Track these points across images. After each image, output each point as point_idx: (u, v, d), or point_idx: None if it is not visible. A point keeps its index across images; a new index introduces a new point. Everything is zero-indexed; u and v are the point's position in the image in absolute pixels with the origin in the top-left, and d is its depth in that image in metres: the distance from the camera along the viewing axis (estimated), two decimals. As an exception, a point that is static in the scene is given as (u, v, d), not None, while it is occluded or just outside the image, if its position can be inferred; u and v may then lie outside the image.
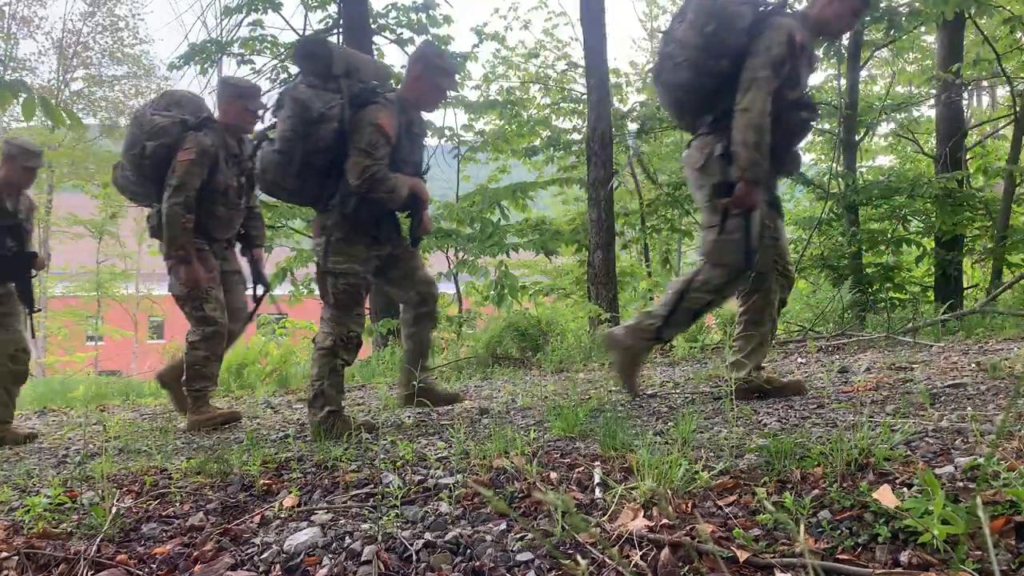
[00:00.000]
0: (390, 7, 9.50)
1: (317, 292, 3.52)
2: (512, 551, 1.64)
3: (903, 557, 1.44)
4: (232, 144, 3.99)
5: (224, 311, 3.97)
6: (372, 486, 2.14)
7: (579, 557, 1.58)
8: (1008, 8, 7.87)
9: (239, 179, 4.02)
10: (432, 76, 3.31)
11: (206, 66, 9.69)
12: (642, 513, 1.70)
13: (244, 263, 4.33)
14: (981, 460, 1.75)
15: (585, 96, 8.47)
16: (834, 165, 9.05)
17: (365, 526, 1.83)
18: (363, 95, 3.19)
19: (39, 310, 4.21)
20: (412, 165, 3.34)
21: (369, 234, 3.28)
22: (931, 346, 4.72)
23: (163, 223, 3.75)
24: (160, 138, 3.75)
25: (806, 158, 12.30)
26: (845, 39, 8.73)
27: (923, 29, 9.60)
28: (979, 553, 1.40)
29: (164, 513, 2.11)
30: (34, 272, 4.21)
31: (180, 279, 3.81)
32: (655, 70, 3.33)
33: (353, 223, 3.23)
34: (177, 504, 2.18)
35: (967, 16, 7.74)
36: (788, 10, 3.17)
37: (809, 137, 11.61)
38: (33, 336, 4.33)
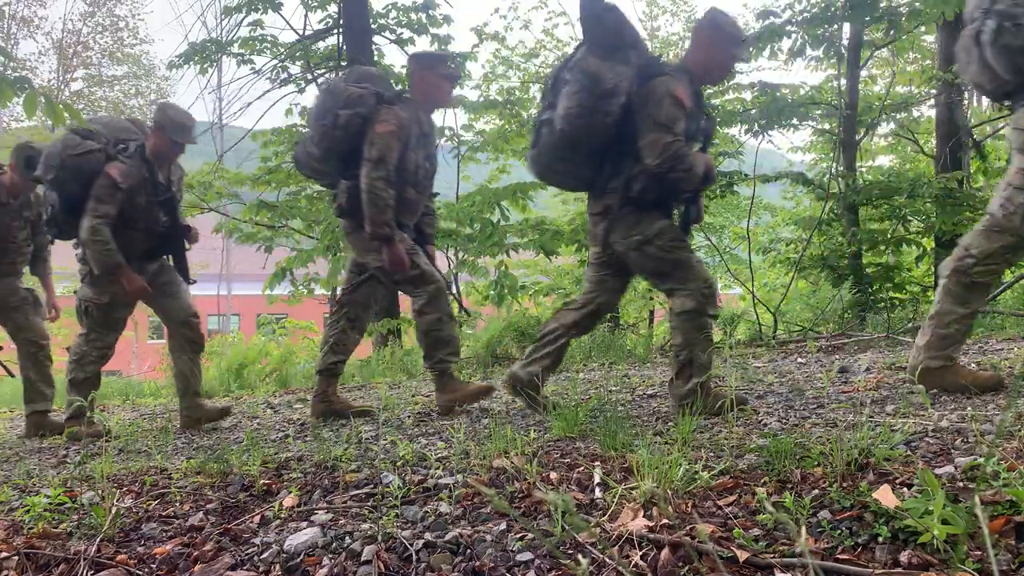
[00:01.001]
0: (390, 7, 9.50)
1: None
2: (512, 551, 1.64)
3: (903, 557, 1.44)
4: (424, 121, 3.70)
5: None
6: (372, 486, 2.14)
7: (579, 557, 1.58)
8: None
9: (427, 160, 3.74)
10: (724, 45, 3.06)
11: (206, 66, 9.69)
12: (642, 513, 1.70)
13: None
14: (981, 460, 1.75)
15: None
16: (834, 165, 9.05)
17: (365, 526, 1.83)
18: (651, 66, 3.00)
19: (194, 281, 4.18)
20: (696, 141, 3.14)
21: (659, 213, 3.08)
22: (931, 346, 4.71)
23: (365, 200, 3.42)
24: (356, 107, 3.48)
25: (806, 158, 12.29)
26: (845, 39, 8.74)
27: (923, 29, 9.59)
28: (979, 553, 1.40)
29: (164, 513, 2.11)
30: (188, 245, 4.19)
31: (385, 260, 3.52)
32: None
33: (638, 206, 3.03)
34: (177, 504, 2.18)
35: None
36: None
37: (809, 137, 11.62)
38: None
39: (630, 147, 2.99)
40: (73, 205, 3.84)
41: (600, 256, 3.31)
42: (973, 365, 3.57)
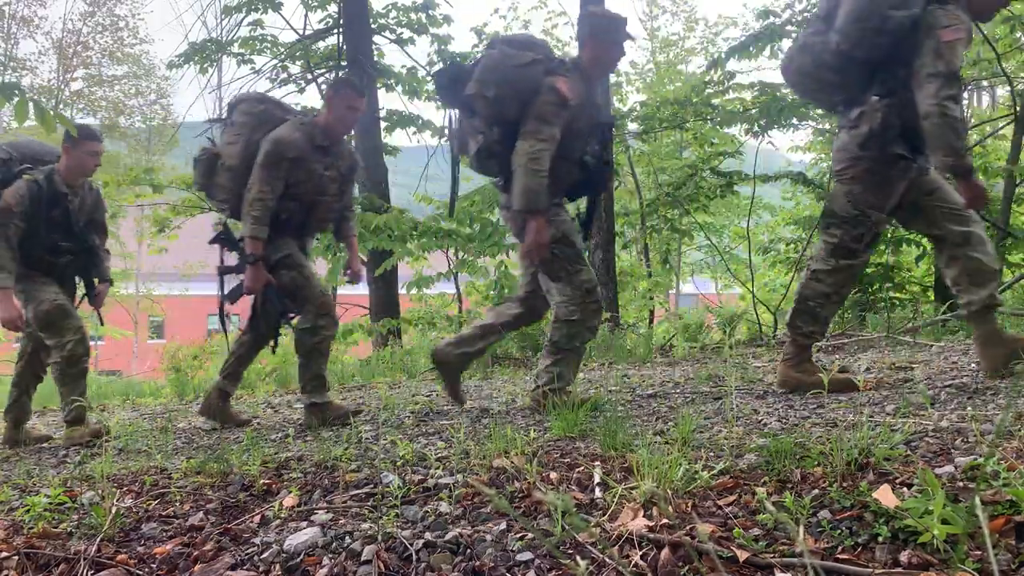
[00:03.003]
0: (390, 7, 9.50)
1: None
2: (512, 551, 1.64)
3: (903, 557, 1.44)
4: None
5: None
6: (372, 486, 2.14)
7: (579, 557, 1.58)
8: (1008, 8, 7.87)
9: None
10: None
11: (205, 66, 9.69)
12: (642, 513, 1.70)
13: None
14: (981, 460, 1.75)
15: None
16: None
17: (365, 526, 1.83)
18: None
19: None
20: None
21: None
22: (931, 346, 4.72)
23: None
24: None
25: (806, 158, 12.30)
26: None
27: (923, 29, 9.57)
28: (979, 553, 1.40)
29: (164, 513, 2.11)
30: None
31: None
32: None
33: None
34: (177, 504, 2.18)
35: (967, 16, 7.72)
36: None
37: (809, 137, 11.63)
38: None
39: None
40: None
41: None
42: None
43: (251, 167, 3.53)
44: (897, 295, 8.19)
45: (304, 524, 1.90)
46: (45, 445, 3.83)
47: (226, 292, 3.76)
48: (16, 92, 2.56)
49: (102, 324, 4.41)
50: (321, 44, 10.00)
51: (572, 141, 3.24)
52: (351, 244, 4.03)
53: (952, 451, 1.94)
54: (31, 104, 2.53)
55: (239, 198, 3.57)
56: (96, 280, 4.07)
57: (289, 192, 3.57)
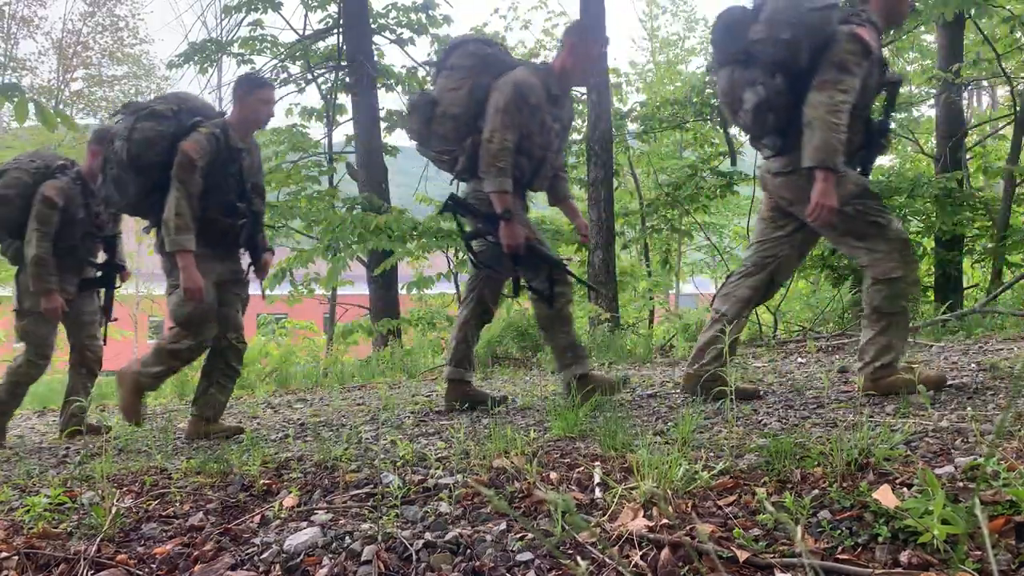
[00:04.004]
0: (390, 7, 9.51)
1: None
2: (512, 551, 1.64)
3: (903, 557, 1.44)
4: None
5: None
6: (372, 486, 2.14)
7: (579, 557, 1.58)
8: (1008, 8, 7.87)
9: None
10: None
11: (206, 66, 9.69)
12: (642, 513, 1.70)
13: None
14: (981, 460, 1.75)
15: (585, 96, 8.47)
16: (834, 165, 9.03)
17: (365, 526, 1.83)
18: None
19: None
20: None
21: None
22: (931, 346, 4.72)
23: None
24: None
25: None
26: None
27: (923, 29, 9.60)
28: (979, 553, 1.40)
29: (164, 513, 2.11)
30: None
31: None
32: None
33: None
34: (177, 504, 2.18)
35: (967, 16, 7.74)
36: None
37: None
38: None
39: None
40: None
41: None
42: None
43: (476, 115, 3.24)
44: (897, 295, 8.18)
45: (304, 524, 1.90)
46: (45, 445, 3.83)
47: (475, 257, 3.41)
48: (16, 92, 2.56)
49: (264, 296, 4.33)
50: (321, 44, 10.00)
51: (865, 97, 2.98)
52: (572, 207, 3.69)
53: (952, 451, 1.94)
54: (32, 104, 2.53)
55: (461, 149, 3.30)
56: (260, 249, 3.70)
57: (519, 145, 3.23)
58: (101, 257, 4.21)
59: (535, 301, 3.38)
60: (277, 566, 1.71)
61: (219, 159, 3.37)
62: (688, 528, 1.61)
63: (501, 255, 3.32)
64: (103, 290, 4.25)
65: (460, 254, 8.23)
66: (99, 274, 4.19)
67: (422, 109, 3.35)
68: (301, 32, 9.72)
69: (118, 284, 4.26)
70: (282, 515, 2.00)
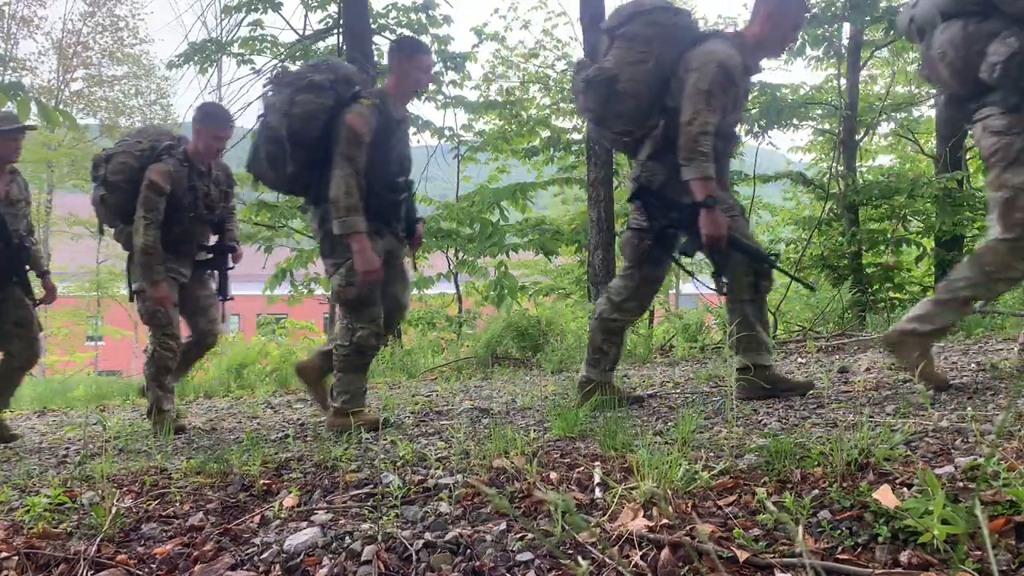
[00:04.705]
0: (390, 7, 9.51)
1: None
2: (512, 551, 1.64)
3: (903, 557, 1.44)
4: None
5: None
6: (372, 486, 2.14)
7: (579, 557, 1.58)
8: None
9: None
10: None
11: (206, 66, 9.70)
12: (642, 513, 1.70)
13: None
14: (981, 460, 1.75)
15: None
16: (834, 165, 9.05)
17: (365, 526, 1.83)
18: None
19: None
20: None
21: None
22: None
23: None
24: None
25: (806, 158, 12.29)
26: (845, 39, 8.75)
27: (923, 29, 9.58)
28: (979, 553, 1.40)
29: (164, 513, 2.11)
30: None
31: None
32: None
33: None
34: (177, 504, 2.18)
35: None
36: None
37: (809, 137, 11.62)
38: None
39: None
40: None
41: None
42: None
43: (661, 93, 2.98)
44: (897, 295, 8.20)
45: (304, 524, 1.90)
46: (45, 445, 3.83)
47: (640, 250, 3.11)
48: (19, 91, 2.57)
49: (415, 268, 4.26)
50: (321, 44, 10.00)
51: None
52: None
53: (952, 451, 1.94)
54: (33, 103, 2.53)
55: (643, 130, 3.03)
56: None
57: (716, 127, 2.94)
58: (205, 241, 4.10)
59: (730, 288, 3.13)
60: (277, 566, 1.71)
61: (381, 132, 3.19)
62: (688, 528, 1.61)
63: (690, 246, 3.08)
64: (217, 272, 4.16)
65: (460, 254, 8.23)
66: (210, 256, 4.10)
67: (600, 86, 3.01)
68: (301, 32, 9.72)
69: (231, 265, 4.15)
70: (282, 515, 2.00)
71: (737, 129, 3.27)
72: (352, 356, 3.25)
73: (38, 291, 4.09)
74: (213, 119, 3.94)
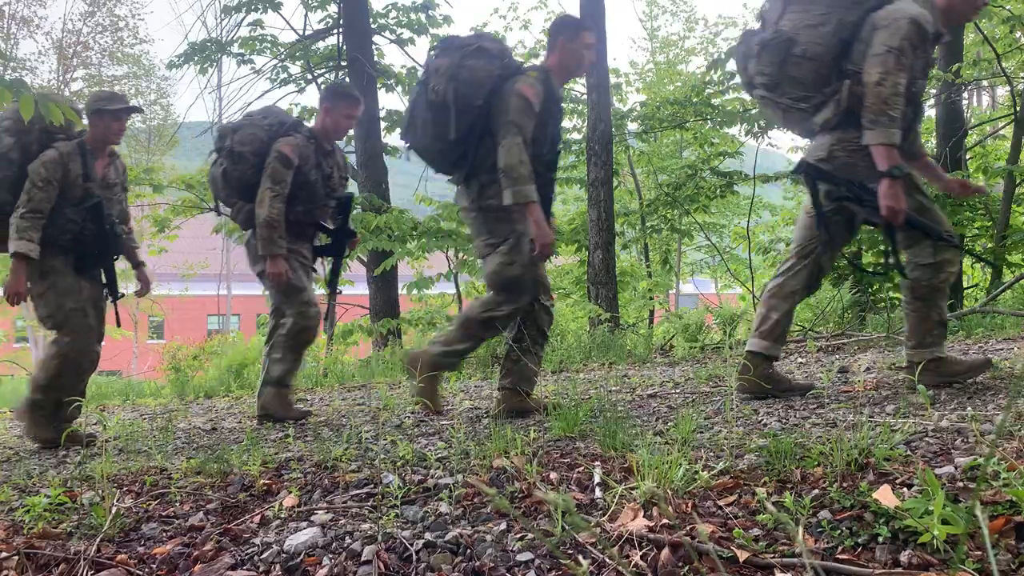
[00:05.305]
0: (390, 7, 9.51)
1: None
2: (512, 551, 1.64)
3: (903, 557, 1.44)
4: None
5: None
6: (372, 486, 2.14)
7: (579, 557, 1.58)
8: (1008, 8, 7.87)
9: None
10: None
11: (206, 66, 9.69)
12: (642, 513, 1.70)
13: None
14: (981, 460, 1.75)
15: (585, 96, 8.48)
16: (834, 165, 9.03)
17: (365, 526, 1.83)
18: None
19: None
20: None
21: None
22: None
23: None
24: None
25: (806, 158, 12.28)
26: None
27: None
28: (979, 553, 1.40)
29: (164, 513, 2.11)
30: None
31: None
32: None
33: None
34: (177, 504, 2.18)
35: (967, 16, 7.73)
36: None
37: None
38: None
39: None
40: None
41: None
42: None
43: (839, 57, 2.84)
44: (897, 295, 8.19)
45: (304, 524, 1.90)
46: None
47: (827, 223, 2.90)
48: (22, 88, 2.56)
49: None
50: (321, 44, 10.00)
51: None
52: (929, 165, 3.26)
53: (952, 451, 1.94)
54: (36, 98, 2.53)
55: (821, 96, 2.90)
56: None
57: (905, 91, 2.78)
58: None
59: (913, 270, 2.98)
60: (277, 566, 1.71)
61: (544, 107, 3.10)
62: (688, 528, 1.61)
63: (853, 220, 2.93)
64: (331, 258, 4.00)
65: (460, 254, 8.23)
66: (329, 241, 3.93)
67: (776, 49, 2.89)
68: (301, 32, 9.72)
69: (347, 253, 4.01)
70: (282, 515, 2.00)
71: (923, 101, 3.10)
72: (540, 339, 3.21)
73: (131, 283, 3.89)
74: (346, 98, 3.82)
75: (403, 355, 3.31)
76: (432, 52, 3.19)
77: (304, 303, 3.78)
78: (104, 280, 3.74)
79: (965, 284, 8.75)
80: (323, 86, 3.86)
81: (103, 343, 3.77)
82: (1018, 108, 7.82)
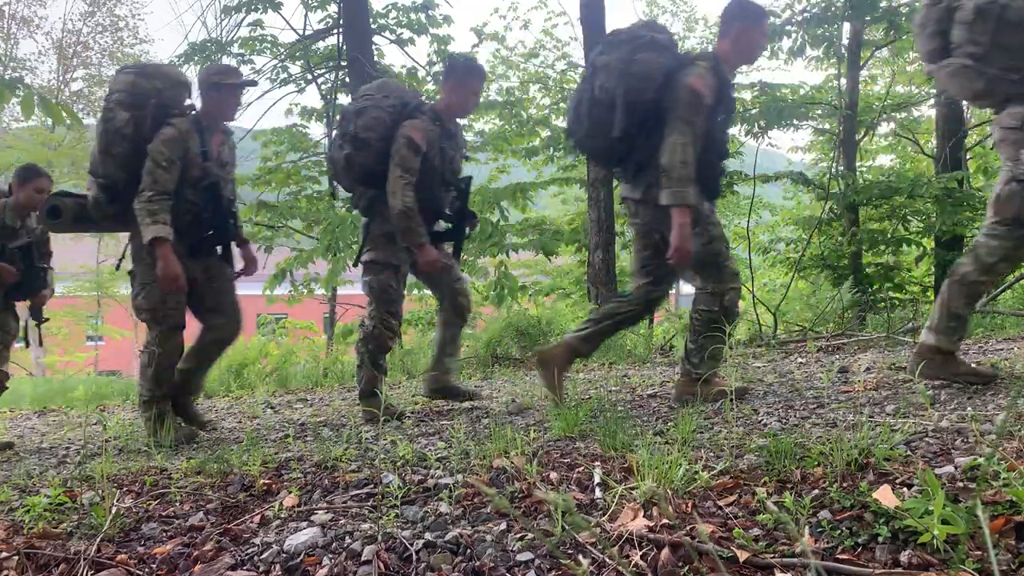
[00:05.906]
0: (390, 7, 9.51)
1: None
2: (512, 551, 1.64)
3: (903, 557, 1.44)
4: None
5: None
6: (372, 486, 2.14)
7: (579, 557, 1.58)
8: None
9: None
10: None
11: (206, 66, 9.69)
12: (642, 513, 1.70)
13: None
14: (981, 460, 1.75)
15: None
16: (834, 165, 9.05)
17: (365, 526, 1.83)
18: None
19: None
20: None
21: None
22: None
23: None
24: None
25: (807, 158, 12.29)
26: (845, 39, 8.74)
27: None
28: (979, 553, 1.39)
29: (164, 513, 2.11)
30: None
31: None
32: None
33: None
34: (177, 504, 2.18)
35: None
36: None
37: (809, 137, 11.63)
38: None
39: None
40: None
41: None
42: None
43: None
44: (897, 295, 8.20)
45: (304, 524, 1.90)
46: (44, 445, 3.83)
47: None
48: (21, 87, 2.56)
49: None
50: (321, 44, 10.01)
51: None
52: None
53: (952, 451, 1.94)
54: (37, 98, 2.53)
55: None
56: None
57: None
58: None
59: None
60: (277, 566, 1.71)
61: (719, 96, 3.01)
62: (688, 528, 1.61)
63: None
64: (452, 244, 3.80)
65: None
66: (450, 226, 3.72)
67: (993, 15, 2.67)
68: (301, 32, 9.72)
69: (468, 234, 3.87)
70: (282, 515, 2.00)
71: None
72: (719, 317, 3.07)
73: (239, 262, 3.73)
74: (474, 72, 3.63)
75: (539, 353, 3.26)
76: (597, 48, 3.10)
77: (456, 279, 3.73)
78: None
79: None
80: (446, 60, 3.59)
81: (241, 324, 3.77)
82: (1018, 108, 7.82)
